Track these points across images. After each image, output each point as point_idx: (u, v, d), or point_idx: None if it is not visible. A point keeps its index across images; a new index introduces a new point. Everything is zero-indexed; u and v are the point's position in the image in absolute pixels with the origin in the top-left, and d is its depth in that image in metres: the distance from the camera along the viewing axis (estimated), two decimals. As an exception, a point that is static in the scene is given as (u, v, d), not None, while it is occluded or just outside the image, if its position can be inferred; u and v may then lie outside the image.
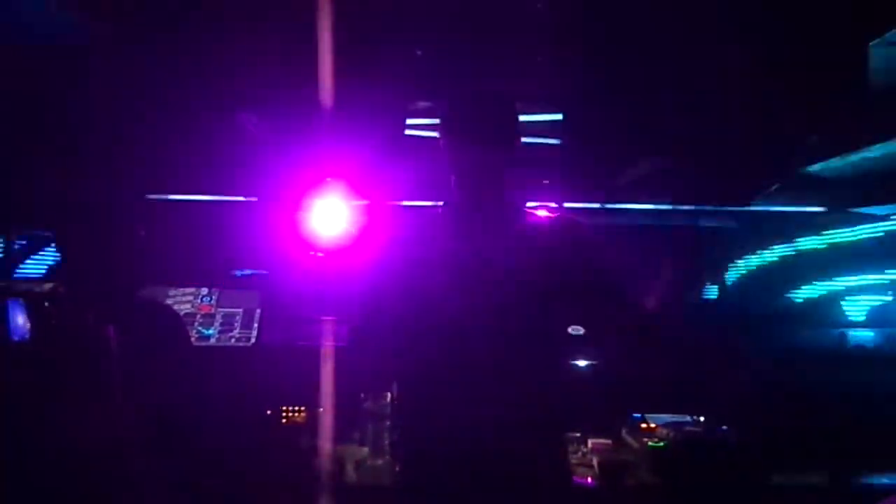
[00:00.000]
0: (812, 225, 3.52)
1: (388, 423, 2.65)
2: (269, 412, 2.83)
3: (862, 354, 3.27)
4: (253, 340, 3.12)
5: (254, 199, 3.35)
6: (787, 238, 3.59)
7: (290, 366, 2.80)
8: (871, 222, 3.42)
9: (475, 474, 1.67)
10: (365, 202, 3.09)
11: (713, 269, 3.63)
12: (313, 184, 2.87)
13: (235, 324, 3.16)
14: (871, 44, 2.28)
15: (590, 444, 2.68)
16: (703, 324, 3.31)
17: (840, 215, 3.43)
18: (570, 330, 2.41)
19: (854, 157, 2.72)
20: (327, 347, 2.78)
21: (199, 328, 3.14)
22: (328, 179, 2.88)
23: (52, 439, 1.75)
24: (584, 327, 2.67)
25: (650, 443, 2.65)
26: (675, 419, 2.79)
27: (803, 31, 2.35)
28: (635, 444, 2.69)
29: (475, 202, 1.83)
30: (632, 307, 1.94)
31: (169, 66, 2.64)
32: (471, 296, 1.71)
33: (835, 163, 2.81)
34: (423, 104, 3.05)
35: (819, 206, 3.44)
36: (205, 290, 3.25)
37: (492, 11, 2.54)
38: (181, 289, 3.22)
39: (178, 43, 2.58)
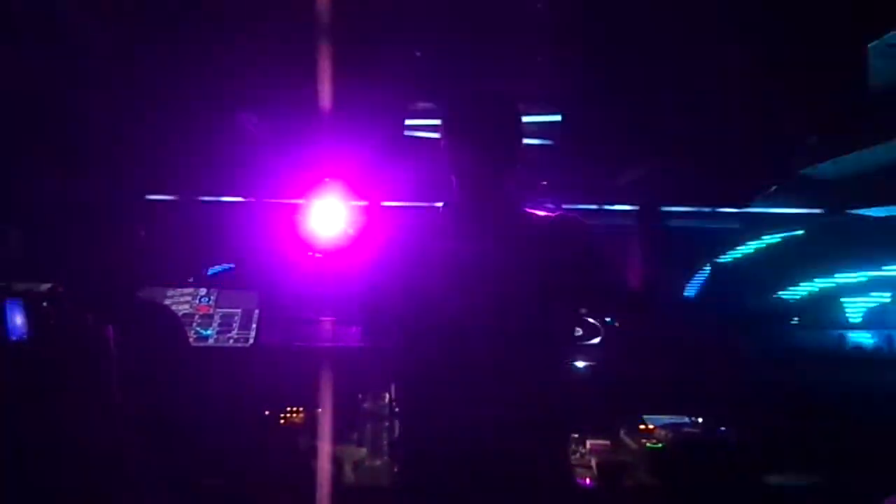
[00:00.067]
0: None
1: (386, 423, 2.66)
2: (267, 413, 2.83)
3: (860, 356, 3.27)
4: (251, 341, 3.10)
5: (253, 199, 3.35)
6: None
7: (289, 366, 2.81)
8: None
9: (475, 474, 1.67)
10: (364, 203, 3.09)
11: (712, 269, 3.64)
12: (313, 184, 2.87)
13: (234, 324, 3.14)
14: (870, 45, 2.29)
15: (588, 445, 2.68)
16: (702, 324, 3.31)
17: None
18: (570, 330, 2.41)
19: (854, 158, 2.72)
20: (326, 348, 2.79)
21: (198, 329, 3.11)
22: (327, 180, 2.88)
23: (51, 439, 1.75)
24: (584, 327, 2.67)
25: (648, 444, 2.66)
26: (673, 420, 2.80)
27: (803, 32, 2.35)
28: (633, 445, 2.70)
29: (475, 202, 1.83)
30: (631, 307, 1.95)
31: (169, 66, 2.64)
32: (471, 296, 1.71)
33: (834, 163, 2.81)
34: (422, 104, 3.05)
35: (819, 206, 3.44)
36: (203, 291, 3.22)
37: (492, 11, 2.54)
38: (179, 289, 3.20)
39: (178, 43, 2.58)
